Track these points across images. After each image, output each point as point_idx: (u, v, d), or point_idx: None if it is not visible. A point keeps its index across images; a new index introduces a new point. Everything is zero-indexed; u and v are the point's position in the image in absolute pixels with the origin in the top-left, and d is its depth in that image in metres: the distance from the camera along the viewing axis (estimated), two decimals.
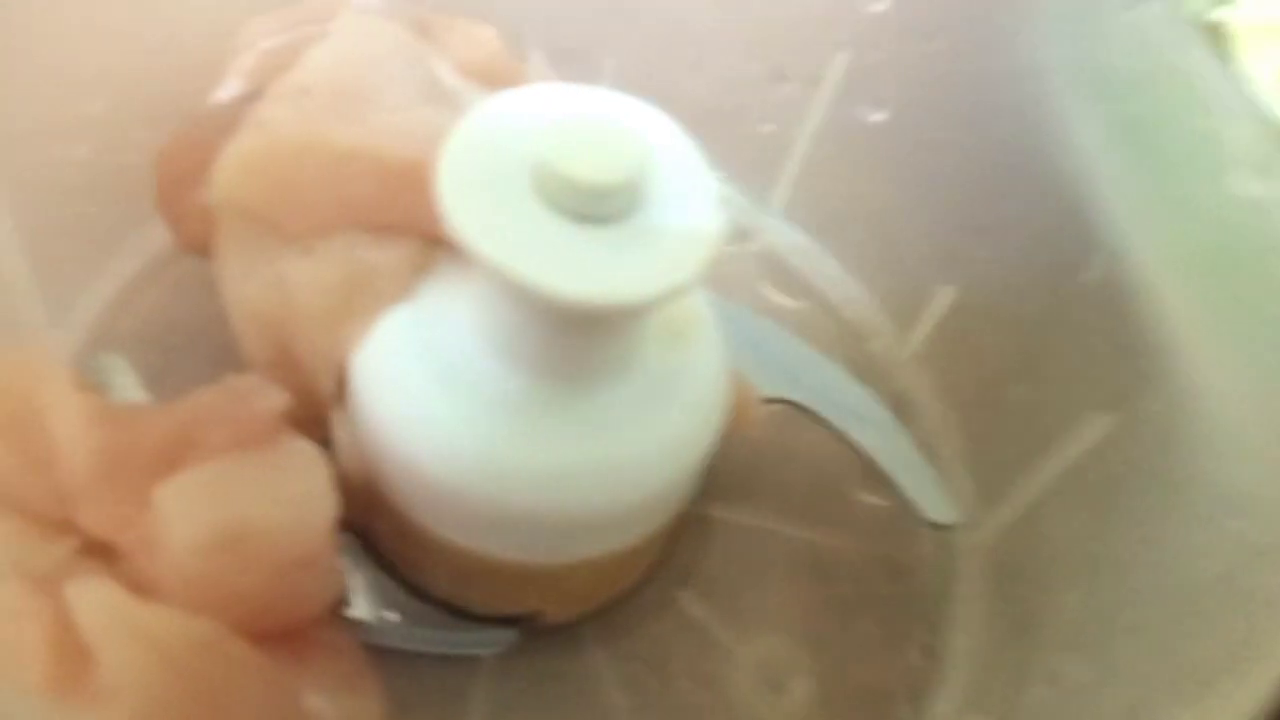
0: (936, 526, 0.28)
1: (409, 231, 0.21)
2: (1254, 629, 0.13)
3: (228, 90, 0.25)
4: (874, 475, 0.28)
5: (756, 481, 0.28)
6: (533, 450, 0.20)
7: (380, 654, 0.23)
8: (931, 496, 0.28)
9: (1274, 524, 0.16)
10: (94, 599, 0.19)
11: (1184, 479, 0.19)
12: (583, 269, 0.18)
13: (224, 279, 0.24)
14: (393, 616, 0.24)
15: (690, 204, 0.19)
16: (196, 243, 0.25)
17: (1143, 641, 0.18)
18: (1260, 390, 0.18)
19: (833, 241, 0.33)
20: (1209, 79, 0.20)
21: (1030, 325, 0.25)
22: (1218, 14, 0.38)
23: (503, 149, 0.19)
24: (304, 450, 0.21)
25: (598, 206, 0.18)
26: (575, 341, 0.20)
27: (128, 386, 0.27)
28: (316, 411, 0.23)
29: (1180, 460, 0.20)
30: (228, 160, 0.22)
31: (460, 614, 0.24)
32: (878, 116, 0.29)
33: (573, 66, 0.28)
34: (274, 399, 0.22)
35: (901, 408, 0.30)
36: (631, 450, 0.21)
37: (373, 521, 0.24)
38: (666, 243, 0.18)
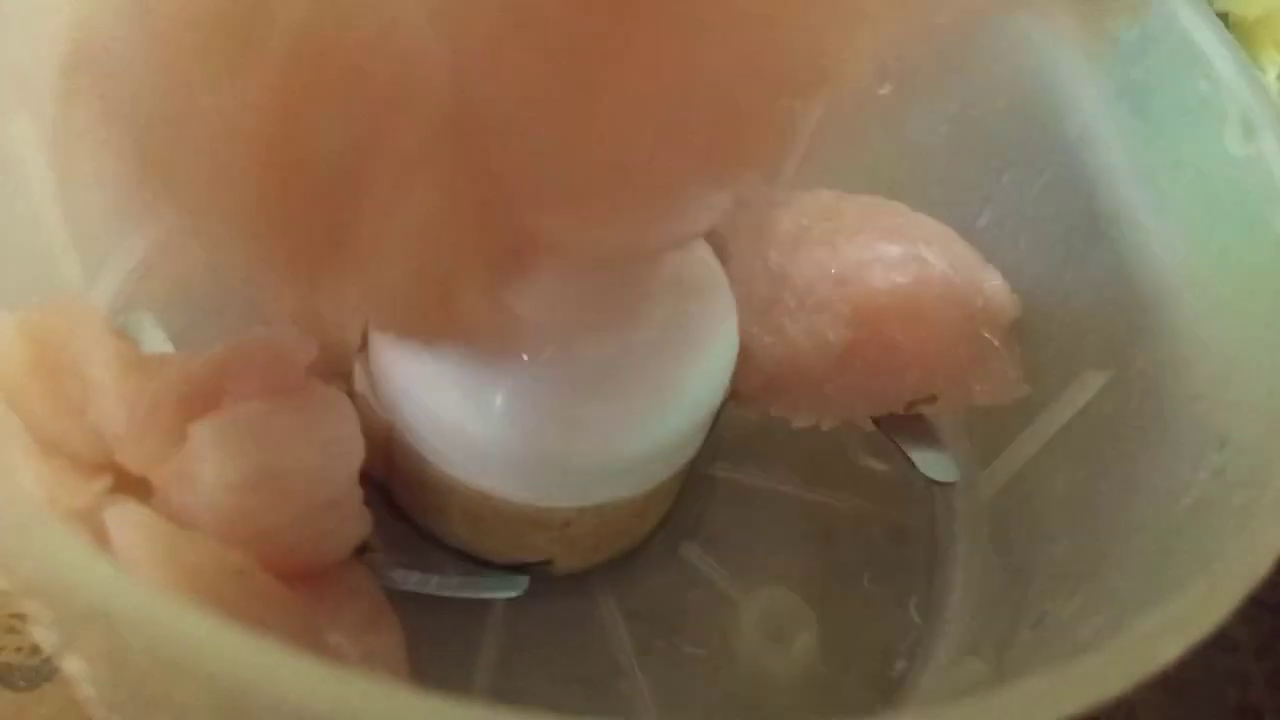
0: (935, 483, 0.29)
1: None
2: (1224, 545, 0.14)
3: None
4: (876, 440, 0.29)
5: (762, 443, 0.29)
6: (547, 396, 0.21)
7: (396, 599, 0.23)
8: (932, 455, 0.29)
9: (1252, 456, 0.17)
10: (130, 523, 0.19)
11: (1172, 423, 0.20)
12: None
13: None
14: (409, 563, 0.25)
15: None
16: None
17: (1125, 573, 0.18)
18: (1245, 334, 0.19)
19: None
20: (1205, 41, 0.21)
21: (1030, 288, 0.26)
22: (1224, 5, 0.38)
23: None
24: (334, 396, 0.22)
25: None
26: (590, 288, 0.21)
27: (156, 343, 0.27)
28: (339, 366, 0.24)
29: (1169, 407, 0.20)
30: None
31: (474, 561, 0.25)
32: (884, 89, 0.30)
33: None
34: (304, 348, 0.22)
35: None
36: (641, 398, 0.22)
37: (391, 472, 0.25)
38: None
